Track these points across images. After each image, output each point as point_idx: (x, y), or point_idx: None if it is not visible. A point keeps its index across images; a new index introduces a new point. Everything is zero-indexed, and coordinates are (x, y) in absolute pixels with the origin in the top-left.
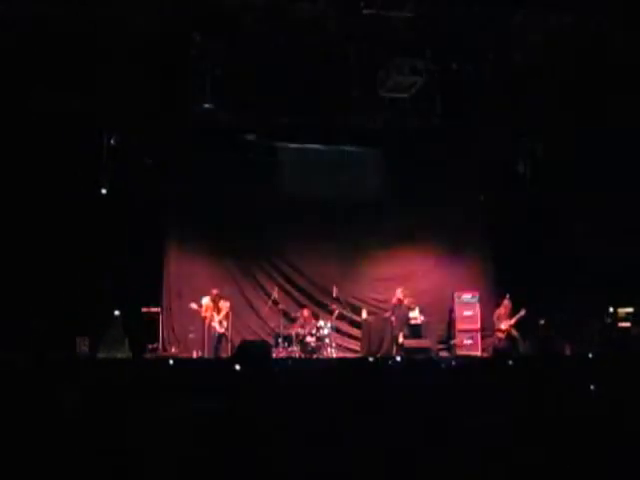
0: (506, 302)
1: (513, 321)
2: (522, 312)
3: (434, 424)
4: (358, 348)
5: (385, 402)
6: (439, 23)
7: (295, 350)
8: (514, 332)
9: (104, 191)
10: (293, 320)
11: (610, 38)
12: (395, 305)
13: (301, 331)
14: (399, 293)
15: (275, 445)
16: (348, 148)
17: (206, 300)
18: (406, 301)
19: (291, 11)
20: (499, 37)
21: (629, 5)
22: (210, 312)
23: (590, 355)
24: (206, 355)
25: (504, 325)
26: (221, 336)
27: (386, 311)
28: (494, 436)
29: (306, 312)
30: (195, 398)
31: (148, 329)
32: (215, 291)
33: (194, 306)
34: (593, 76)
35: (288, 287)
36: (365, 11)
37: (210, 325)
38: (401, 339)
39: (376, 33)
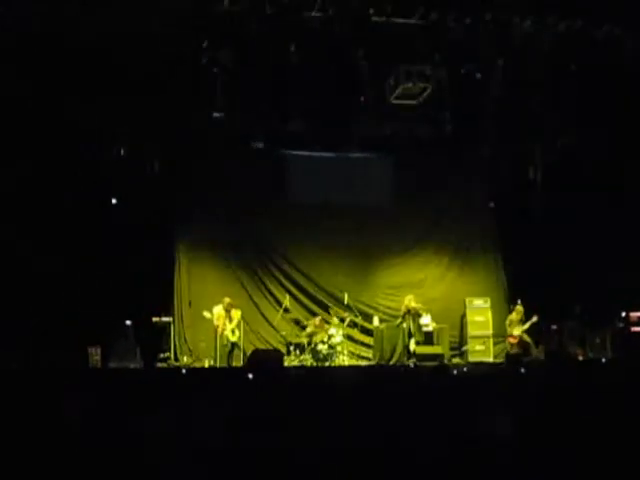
0: (518, 307)
1: (525, 327)
2: (534, 318)
3: (447, 431)
4: (370, 356)
5: (397, 409)
6: (448, 30)
7: (307, 358)
8: (526, 338)
9: (115, 201)
10: (305, 328)
11: (618, 45)
12: (406, 312)
13: (313, 339)
14: (409, 300)
15: (288, 452)
16: (358, 155)
17: (218, 309)
18: (417, 308)
19: (301, 19)
20: (508, 44)
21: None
22: (222, 321)
23: (603, 360)
24: (218, 364)
25: (516, 331)
26: (233, 345)
27: (397, 318)
28: (507, 443)
29: (318, 320)
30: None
31: (159, 339)
32: (227, 300)
33: (207, 315)
34: (601, 81)
35: (299, 295)
36: (374, 18)
37: (222, 334)
38: (413, 346)
39: (385, 40)
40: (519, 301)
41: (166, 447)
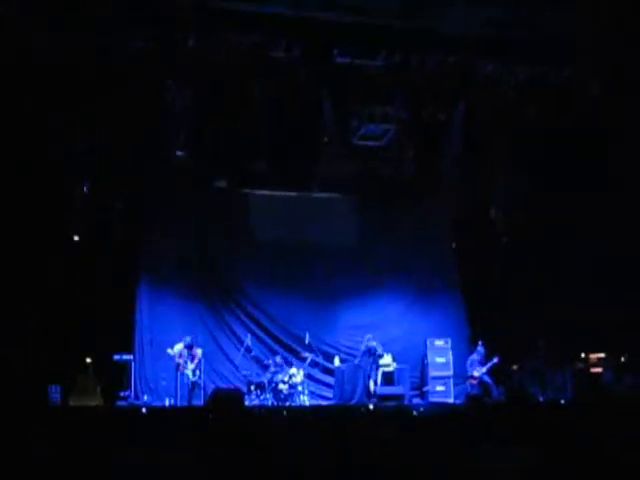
0: (479, 349)
1: (485, 369)
2: (495, 360)
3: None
4: (331, 395)
5: (355, 451)
6: (411, 72)
7: (268, 398)
8: (486, 379)
9: (76, 238)
10: (266, 367)
11: (579, 88)
12: (367, 352)
13: (274, 379)
14: (371, 340)
15: None
16: (321, 195)
17: (179, 347)
18: (379, 348)
19: (265, 59)
20: (470, 85)
21: (598, 55)
22: (183, 359)
23: (562, 401)
24: (179, 403)
25: (476, 372)
26: (194, 384)
27: (357, 358)
28: None
29: (279, 359)
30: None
31: (120, 377)
32: (188, 338)
33: (171, 352)
34: (563, 124)
35: (261, 334)
36: (338, 59)
37: (183, 373)
38: (372, 386)
39: (349, 81)
40: (480, 342)
41: None
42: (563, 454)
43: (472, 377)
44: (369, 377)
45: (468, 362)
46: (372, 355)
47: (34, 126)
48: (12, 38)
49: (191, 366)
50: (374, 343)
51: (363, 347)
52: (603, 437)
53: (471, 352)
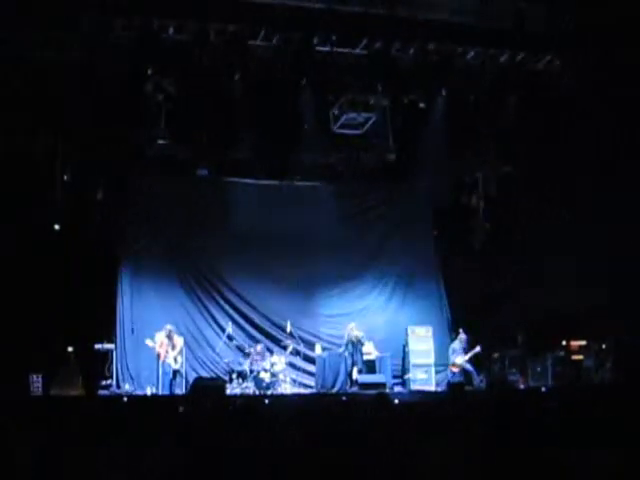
0: (461, 336)
1: (467, 357)
2: (477, 349)
3: (388, 460)
4: (312, 384)
5: (339, 439)
6: (392, 60)
7: (250, 386)
8: (468, 366)
9: (57, 227)
10: (248, 355)
11: (559, 74)
12: (350, 340)
13: (255, 367)
14: (354, 328)
15: None
16: (301, 184)
17: (160, 336)
18: (358, 336)
19: (246, 48)
20: (451, 73)
21: (577, 45)
22: (165, 348)
23: (543, 389)
24: (160, 392)
25: (458, 360)
26: (176, 372)
27: (340, 346)
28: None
29: (260, 347)
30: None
31: (102, 366)
32: (169, 327)
33: (150, 343)
34: (543, 112)
35: (242, 322)
36: (318, 48)
37: (164, 361)
38: (355, 374)
39: (329, 70)
40: (461, 330)
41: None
42: (542, 442)
43: (454, 365)
44: (352, 365)
45: (450, 350)
46: (356, 343)
47: (15, 116)
48: None
49: (172, 354)
50: (358, 332)
51: (347, 336)
52: (581, 424)
53: (452, 340)
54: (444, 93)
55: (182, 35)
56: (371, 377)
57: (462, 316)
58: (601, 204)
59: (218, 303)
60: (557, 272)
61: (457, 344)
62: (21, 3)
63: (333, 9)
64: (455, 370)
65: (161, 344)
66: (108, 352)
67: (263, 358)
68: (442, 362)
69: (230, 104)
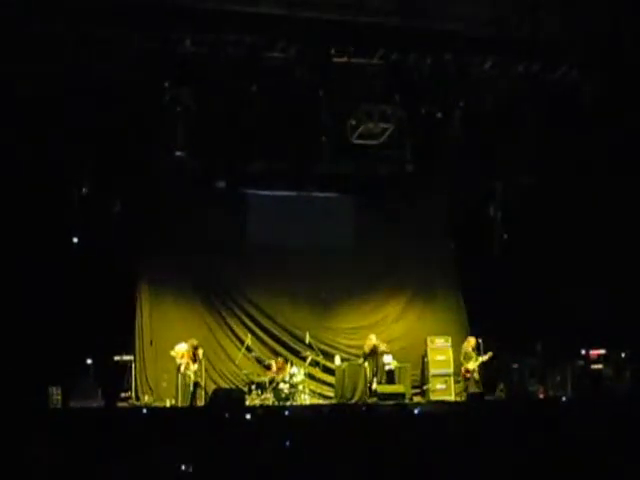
0: (470, 338)
1: (480, 360)
2: (488, 355)
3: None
4: (332, 394)
5: (358, 449)
6: (409, 71)
7: (268, 397)
8: (479, 375)
9: (75, 240)
10: (267, 367)
11: (577, 84)
12: (370, 351)
13: (274, 378)
14: (373, 339)
15: None
16: (319, 195)
17: (181, 347)
18: (381, 347)
19: (262, 59)
20: (468, 84)
21: (595, 54)
22: (186, 360)
23: (564, 398)
24: (179, 403)
25: (471, 365)
26: (196, 384)
27: (359, 357)
28: None
29: (280, 359)
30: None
31: (121, 378)
32: (195, 341)
33: (173, 354)
34: (562, 122)
35: (261, 334)
36: (336, 59)
37: (185, 373)
38: (374, 385)
39: (346, 81)
40: (471, 336)
41: None
42: (563, 451)
43: (467, 371)
44: (372, 375)
45: (462, 354)
46: (375, 354)
47: (34, 129)
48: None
49: (193, 367)
50: (378, 342)
51: (367, 347)
52: (603, 433)
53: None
54: (461, 104)
55: (199, 47)
56: (390, 387)
57: (481, 326)
58: (622, 213)
59: (237, 315)
60: (576, 282)
61: (467, 345)
62: (37, 14)
63: (349, 20)
64: (468, 376)
65: (182, 355)
66: (127, 364)
67: (282, 369)
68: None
69: (247, 116)
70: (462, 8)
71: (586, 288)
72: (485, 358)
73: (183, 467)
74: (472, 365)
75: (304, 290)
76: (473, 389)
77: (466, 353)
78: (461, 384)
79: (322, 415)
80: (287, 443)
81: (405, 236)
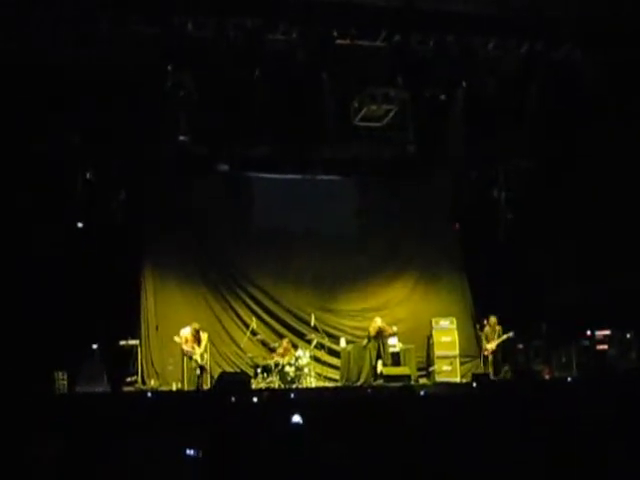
0: (492, 319)
1: (501, 339)
2: (507, 335)
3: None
4: (337, 377)
5: (364, 432)
6: (412, 52)
7: (274, 380)
8: (496, 354)
9: (80, 225)
10: (272, 350)
11: (581, 65)
12: (375, 333)
13: (280, 361)
14: (379, 322)
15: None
16: (322, 178)
17: (187, 332)
18: (387, 330)
19: (265, 42)
20: (471, 65)
21: (597, 35)
22: (191, 344)
23: (569, 379)
24: (185, 387)
25: (490, 345)
26: (202, 368)
27: (364, 339)
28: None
29: (285, 342)
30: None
31: (126, 362)
32: (196, 325)
33: (178, 339)
34: (565, 103)
35: (266, 317)
36: (338, 41)
37: (191, 357)
38: (380, 367)
39: (349, 63)
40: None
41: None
42: (568, 432)
43: (486, 350)
44: (377, 358)
45: (483, 334)
46: (380, 336)
47: (35, 113)
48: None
49: (199, 350)
50: (384, 325)
51: (373, 329)
52: (609, 413)
53: (483, 326)
54: (464, 85)
55: (201, 31)
56: (396, 370)
57: (486, 307)
58: (625, 194)
59: (241, 298)
60: (581, 261)
61: (488, 327)
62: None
63: (352, 2)
64: (487, 354)
65: (186, 340)
66: (133, 348)
67: (288, 352)
68: (466, 354)
69: (250, 99)
70: None
71: (591, 268)
72: (505, 338)
73: (190, 451)
74: (492, 345)
75: (309, 273)
76: (489, 369)
77: (487, 333)
78: (466, 366)
79: (328, 398)
80: (293, 426)
81: (409, 218)
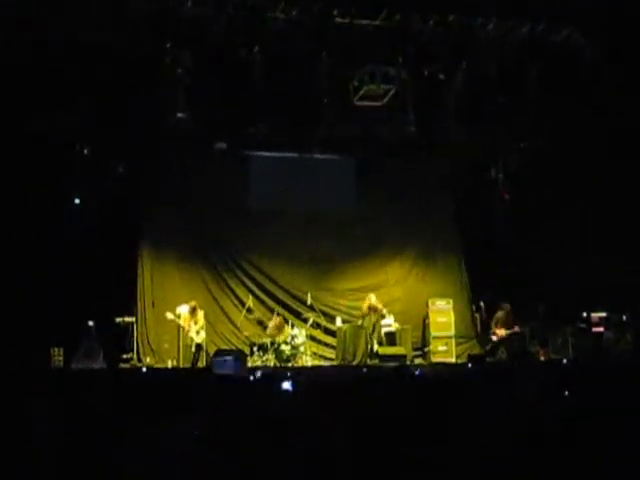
0: (507, 306)
1: (506, 333)
2: (516, 329)
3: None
4: (333, 356)
5: (359, 411)
6: (412, 32)
7: (270, 359)
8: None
9: (77, 201)
10: (263, 326)
11: (581, 48)
12: (368, 312)
13: (276, 340)
14: (372, 299)
15: (256, 457)
16: (320, 157)
17: (184, 309)
18: (379, 307)
19: (264, 20)
20: (471, 45)
21: (598, 17)
22: (187, 322)
23: (565, 361)
24: (181, 365)
25: (499, 332)
26: (198, 346)
27: (359, 319)
28: (469, 447)
29: (277, 317)
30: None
31: (122, 339)
32: (194, 303)
33: (170, 316)
34: (565, 85)
35: (262, 296)
36: (338, 20)
37: (187, 335)
38: (375, 346)
39: (349, 42)
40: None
41: (136, 451)
42: (564, 414)
43: (494, 334)
44: (373, 337)
45: (494, 319)
46: (375, 315)
47: (34, 91)
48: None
49: (195, 328)
50: (377, 303)
51: (365, 306)
52: (604, 396)
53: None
54: (464, 65)
55: (200, 8)
56: (391, 349)
57: (481, 288)
58: (625, 176)
59: (237, 276)
60: (577, 244)
61: (500, 314)
62: None
63: None
64: (494, 339)
65: (184, 318)
66: (129, 325)
67: (281, 331)
68: (462, 334)
69: (249, 77)
70: None
71: (588, 250)
72: (517, 329)
73: (186, 429)
74: (503, 332)
75: (306, 252)
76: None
77: (498, 319)
78: (462, 347)
79: (323, 376)
80: (288, 404)
81: (407, 198)
